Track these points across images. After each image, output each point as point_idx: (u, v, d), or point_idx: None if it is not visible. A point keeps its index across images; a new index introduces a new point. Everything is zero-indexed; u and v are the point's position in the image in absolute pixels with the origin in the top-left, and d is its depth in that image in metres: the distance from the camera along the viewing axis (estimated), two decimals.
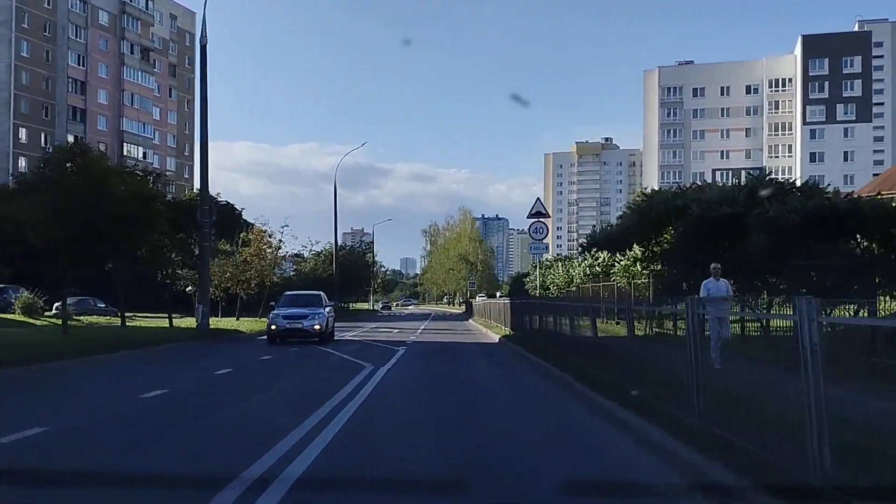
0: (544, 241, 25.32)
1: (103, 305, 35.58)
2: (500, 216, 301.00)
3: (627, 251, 27.37)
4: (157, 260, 25.83)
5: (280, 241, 37.64)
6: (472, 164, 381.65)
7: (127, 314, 26.95)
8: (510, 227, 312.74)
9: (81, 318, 29.63)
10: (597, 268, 34.60)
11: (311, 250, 58.42)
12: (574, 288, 36.48)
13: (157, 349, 19.84)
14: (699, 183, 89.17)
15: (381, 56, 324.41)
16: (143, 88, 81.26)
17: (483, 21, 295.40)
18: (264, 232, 36.06)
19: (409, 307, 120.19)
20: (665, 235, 23.22)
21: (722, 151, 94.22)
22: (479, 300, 62.21)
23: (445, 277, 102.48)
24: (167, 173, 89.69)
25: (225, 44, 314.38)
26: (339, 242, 64.90)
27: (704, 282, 12.94)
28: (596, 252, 35.31)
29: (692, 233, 19.31)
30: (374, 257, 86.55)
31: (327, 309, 23.79)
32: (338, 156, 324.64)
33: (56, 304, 28.65)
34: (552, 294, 42.20)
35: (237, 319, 33.39)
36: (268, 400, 10.84)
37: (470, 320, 50.27)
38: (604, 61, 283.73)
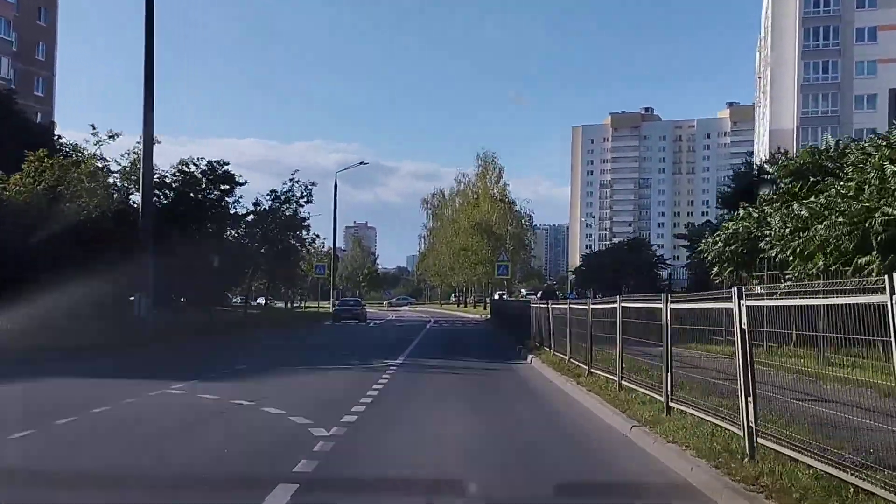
0: None
1: None
2: None
3: None
4: None
5: None
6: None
7: None
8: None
9: None
10: None
11: (97, 142, 24.17)
12: None
13: None
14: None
15: (385, 52, 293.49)
16: None
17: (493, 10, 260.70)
18: None
19: (403, 308, 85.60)
20: None
21: None
22: (532, 297, 27.18)
23: (454, 262, 66.23)
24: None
25: (232, 38, 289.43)
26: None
27: None
28: None
29: None
30: (335, 217, 50.97)
31: None
32: (344, 153, 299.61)
33: None
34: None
35: None
36: None
37: (571, 389, 12.46)
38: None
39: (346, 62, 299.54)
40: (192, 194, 28.39)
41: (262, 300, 64.00)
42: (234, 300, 52.85)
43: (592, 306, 11.76)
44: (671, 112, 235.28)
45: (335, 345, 23.46)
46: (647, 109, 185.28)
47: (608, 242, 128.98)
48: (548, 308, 16.72)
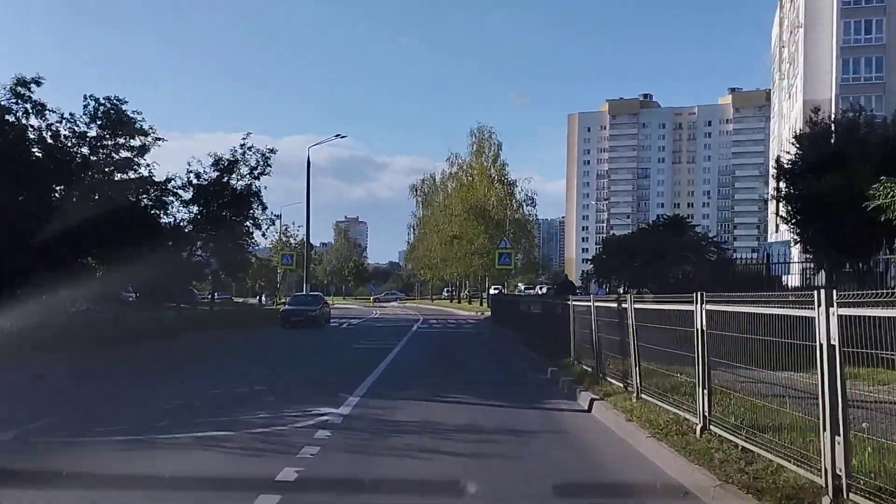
0: None
1: None
2: None
3: None
4: None
5: None
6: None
7: None
8: None
9: None
10: None
11: None
12: None
13: None
14: None
15: (377, 44, 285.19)
16: None
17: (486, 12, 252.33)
18: None
19: (391, 303, 78.97)
20: None
21: None
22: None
23: (446, 253, 58.52)
24: None
25: (222, 35, 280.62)
26: None
27: None
28: None
29: None
30: (308, 198, 43.62)
31: None
32: (335, 147, 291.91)
33: None
34: None
35: None
36: None
37: None
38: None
39: (335, 55, 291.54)
40: (50, 139, 20.45)
41: (262, 297, 56.44)
42: (200, 296, 45.48)
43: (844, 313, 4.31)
44: (670, 99, 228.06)
45: (256, 368, 15.07)
46: (645, 96, 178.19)
47: (604, 234, 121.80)
48: (620, 310, 9.22)
